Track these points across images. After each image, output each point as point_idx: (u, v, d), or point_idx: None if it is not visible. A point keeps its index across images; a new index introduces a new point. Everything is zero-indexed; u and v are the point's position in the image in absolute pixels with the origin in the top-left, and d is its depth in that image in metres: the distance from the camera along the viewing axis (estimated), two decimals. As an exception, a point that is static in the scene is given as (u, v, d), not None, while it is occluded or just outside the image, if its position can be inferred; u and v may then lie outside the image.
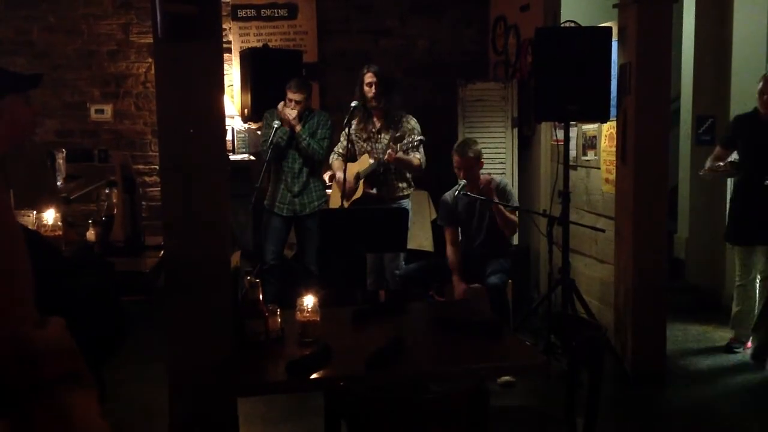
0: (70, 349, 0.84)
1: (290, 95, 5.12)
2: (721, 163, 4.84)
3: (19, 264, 0.84)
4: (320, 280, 5.28)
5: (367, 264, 5.27)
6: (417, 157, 4.97)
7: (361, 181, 5.06)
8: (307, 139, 5.12)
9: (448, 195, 4.92)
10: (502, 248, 4.89)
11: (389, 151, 4.84)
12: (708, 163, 4.95)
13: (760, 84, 4.66)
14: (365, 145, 5.14)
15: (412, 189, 5.23)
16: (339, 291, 5.17)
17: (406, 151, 4.85)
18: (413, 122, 5.07)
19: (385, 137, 5.05)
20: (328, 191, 5.41)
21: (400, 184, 5.12)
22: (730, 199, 5.08)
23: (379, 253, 5.09)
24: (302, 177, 5.24)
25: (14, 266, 0.83)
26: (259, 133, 5.92)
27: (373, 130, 5.11)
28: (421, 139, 4.85)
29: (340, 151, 5.24)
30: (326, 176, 5.34)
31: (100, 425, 0.84)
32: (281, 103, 5.12)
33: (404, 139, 4.90)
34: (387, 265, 5.12)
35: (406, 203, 5.11)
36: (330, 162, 5.28)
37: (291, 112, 5.05)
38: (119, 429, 3.54)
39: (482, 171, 4.80)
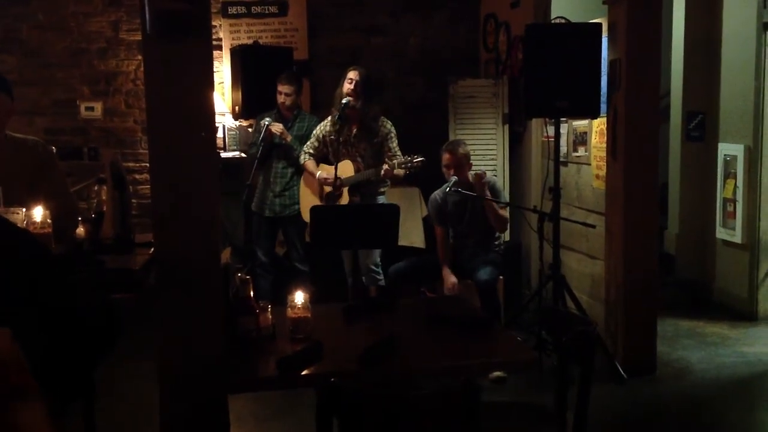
0: (15, 362, 0.77)
1: (280, 87, 5.31)
2: None
3: None
4: (311, 277, 5.29)
5: (344, 261, 5.21)
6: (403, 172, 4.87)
7: (346, 189, 5.01)
8: (298, 149, 5.22)
9: (436, 194, 4.95)
10: (492, 244, 4.91)
11: (386, 167, 4.79)
12: None
13: None
14: (343, 150, 5.03)
15: (388, 185, 5.19)
16: (329, 287, 5.14)
17: (403, 166, 4.78)
18: (389, 125, 5.02)
19: (363, 144, 5.00)
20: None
21: (381, 183, 5.09)
22: None
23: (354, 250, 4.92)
24: (286, 177, 5.32)
25: None
26: (250, 130, 5.91)
27: (350, 135, 5.03)
28: (422, 160, 4.76)
29: (311, 151, 5.18)
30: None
31: None
32: (269, 121, 5.22)
33: (386, 143, 4.92)
34: (362, 261, 5.01)
35: (382, 199, 5.10)
36: (302, 162, 5.21)
37: (277, 127, 5.17)
38: (110, 426, 3.53)
39: (474, 167, 4.80)
